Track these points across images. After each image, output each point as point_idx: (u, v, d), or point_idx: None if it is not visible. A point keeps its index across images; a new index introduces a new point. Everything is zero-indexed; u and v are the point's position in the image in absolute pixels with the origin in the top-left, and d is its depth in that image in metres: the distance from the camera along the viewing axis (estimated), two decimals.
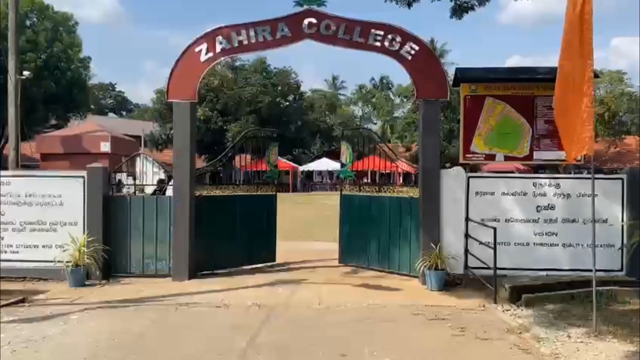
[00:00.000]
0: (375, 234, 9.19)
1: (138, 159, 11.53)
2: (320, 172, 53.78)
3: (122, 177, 9.26)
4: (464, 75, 8.36)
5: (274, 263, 9.83)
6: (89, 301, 7.03)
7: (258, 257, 9.66)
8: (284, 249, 11.22)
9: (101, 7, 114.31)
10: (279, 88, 50.55)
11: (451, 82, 8.91)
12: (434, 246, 8.01)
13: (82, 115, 39.07)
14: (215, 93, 47.41)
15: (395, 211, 8.85)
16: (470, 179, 8.26)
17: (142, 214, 8.62)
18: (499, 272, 7.16)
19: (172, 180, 8.55)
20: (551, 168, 8.99)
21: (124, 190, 9.59)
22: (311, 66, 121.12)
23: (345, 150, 9.97)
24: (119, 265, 8.62)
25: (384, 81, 78.36)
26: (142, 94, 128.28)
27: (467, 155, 8.48)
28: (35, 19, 34.45)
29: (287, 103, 53.21)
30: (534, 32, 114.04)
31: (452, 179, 8.28)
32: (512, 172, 52.94)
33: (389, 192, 9.11)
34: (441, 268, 7.84)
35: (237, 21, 8.42)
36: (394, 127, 71.28)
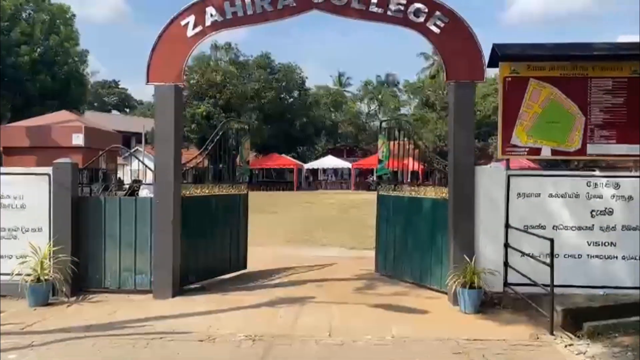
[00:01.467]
0: (408, 240, 7.89)
1: (138, 156, 10.19)
2: (325, 170, 52.31)
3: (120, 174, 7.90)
4: (503, 53, 6.93)
5: (276, 277, 8.46)
6: (44, 328, 5.68)
7: (236, 266, 8.54)
8: (286, 257, 9.86)
9: (106, 4, 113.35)
10: (284, 84, 49.12)
11: (487, 62, 7.46)
12: (467, 258, 6.62)
13: (81, 112, 37.88)
14: (217, 89, 46.07)
15: (429, 215, 7.47)
16: (511, 178, 6.84)
17: (118, 218, 7.26)
18: (543, 289, 5.78)
19: (153, 179, 7.18)
20: (604, 165, 7.50)
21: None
22: (315, 63, 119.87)
23: (382, 145, 8.58)
24: (92, 279, 7.27)
25: (390, 78, 77.01)
26: (148, 91, 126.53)
27: (507, 149, 7.06)
28: (30, 11, 33.14)
29: (292, 99, 51.82)
30: (539, 33, 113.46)
31: (488, 178, 6.87)
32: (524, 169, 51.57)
33: (423, 192, 7.70)
34: (477, 286, 6.44)
35: None
36: None
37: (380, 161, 8.69)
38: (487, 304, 6.60)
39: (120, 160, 47.50)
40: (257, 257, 9.65)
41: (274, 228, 15.16)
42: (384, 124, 9.09)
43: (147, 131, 48.80)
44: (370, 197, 33.19)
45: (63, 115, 11.53)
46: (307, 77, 52.62)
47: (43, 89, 32.01)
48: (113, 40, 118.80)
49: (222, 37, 51.94)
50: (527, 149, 7.07)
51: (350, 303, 6.82)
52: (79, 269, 7.09)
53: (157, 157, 7.06)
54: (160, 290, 7.00)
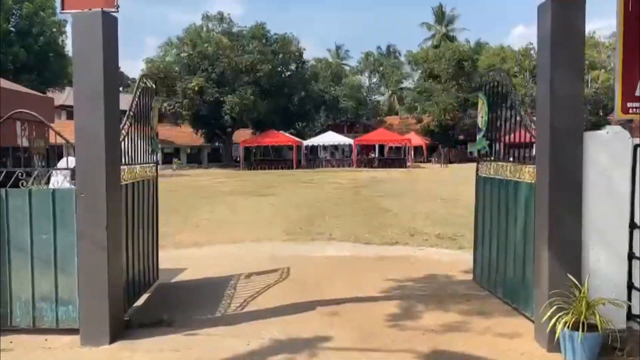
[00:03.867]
0: (499, 241, 5.55)
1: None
2: (325, 147, 49.79)
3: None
4: None
5: (271, 296, 5.98)
6: None
7: (151, 278, 6.01)
8: (285, 259, 7.33)
9: None
10: (280, 56, 46.12)
11: None
12: (571, 277, 4.16)
13: (61, 86, 35.03)
14: (210, 61, 43.17)
15: (521, 206, 5.02)
16: None
17: (29, 222, 4.75)
18: None
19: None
20: None
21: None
22: (314, 39, 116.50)
23: (482, 108, 6.06)
24: None
25: (391, 49, 73.82)
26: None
27: (630, 105, 4.50)
28: None
29: (289, 73, 48.90)
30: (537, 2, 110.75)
31: (604, 150, 4.33)
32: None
33: (519, 173, 5.15)
34: (595, 325, 3.98)
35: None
36: (402, 99, 67.00)
37: (479, 129, 6.15)
38: (603, 350, 4.14)
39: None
40: (250, 257, 7.37)
41: (271, 215, 12.69)
42: (483, 78, 6.41)
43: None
44: (378, 175, 30.73)
45: None
46: (304, 49, 49.64)
47: (17, 62, 29.23)
48: None
49: (215, 7, 48.68)
50: None
51: (384, 350, 4.36)
52: None
53: (79, 124, 4.49)
54: (90, 332, 4.53)
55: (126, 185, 5.04)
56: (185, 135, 49.58)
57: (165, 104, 44.24)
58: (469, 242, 9.09)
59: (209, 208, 14.12)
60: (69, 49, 39.06)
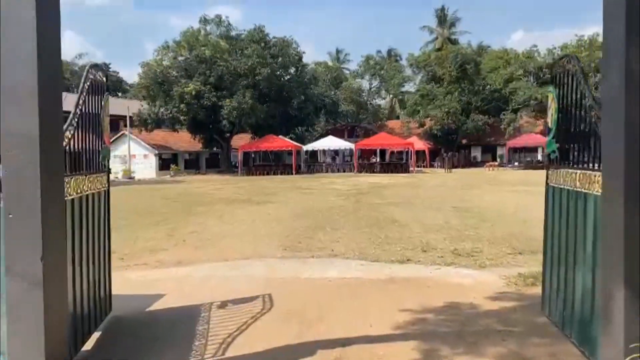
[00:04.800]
0: (567, 266, 4.49)
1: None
2: (325, 152, 48.74)
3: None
4: None
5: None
6: None
7: (102, 311, 4.86)
8: (282, 286, 6.19)
9: None
10: (279, 60, 45.11)
11: None
12: None
13: None
14: (207, 65, 42.20)
15: (590, 224, 3.98)
16: None
17: None
18: None
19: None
20: None
21: None
22: (312, 42, 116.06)
23: (552, 104, 4.97)
24: None
25: (392, 53, 72.87)
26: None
27: None
28: None
29: (288, 77, 47.89)
30: (537, 7, 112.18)
31: None
32: (542, 146, 47.88)
33: (587, 182, 4.07)
34: None
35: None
36: (403, 102, 65.94)
37: (548, 130, 5.07)
38: None
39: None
40: (241, 280, 6.44)
41: (268, 227, 11.64)
42: (554, 69, 5.22)
43: (133, 113, 45.15)
44: (381, 181, 29.57)
45: None
46: (304, 52, 48.69)
47: None
48: (111, 25, 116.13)
49: (214, 13, 47.74)
50: None
51: None
52: None
53: (4, 125, 3.43)
54: None
55: (72, 200, 3.99)
56: (183, 140, 48.60)
57: (162, 109, 43.30)
58: (490, 260, 8.04)
59: (199, 219, 13.05)
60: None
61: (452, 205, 15.28)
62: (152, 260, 8.39)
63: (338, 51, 74.70)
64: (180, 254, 8.88)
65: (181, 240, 10.21)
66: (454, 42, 63.09)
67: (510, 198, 17.67)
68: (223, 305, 5.70)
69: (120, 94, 77.33)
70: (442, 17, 67.51)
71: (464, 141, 54.46)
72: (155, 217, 13.44)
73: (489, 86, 52.26)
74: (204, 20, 46.04)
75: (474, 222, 11.89)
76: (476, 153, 55.62)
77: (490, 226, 11.20)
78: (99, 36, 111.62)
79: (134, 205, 16.50)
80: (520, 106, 48.25)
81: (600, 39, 3.51)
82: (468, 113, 51.12)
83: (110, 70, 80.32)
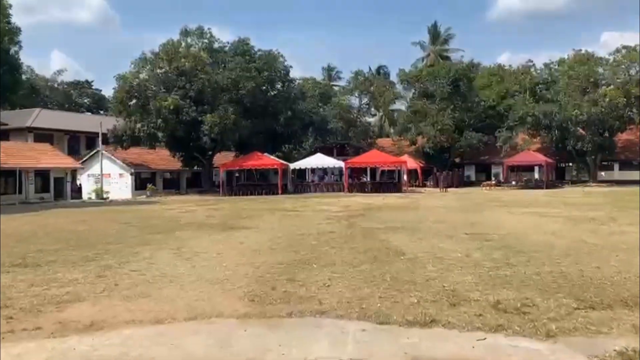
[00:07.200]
0: None
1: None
2: (314, 170, 45.99)
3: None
4: None
5: None
6: None
7: None
8: None
9: (90, 9, 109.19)
10: (265, 74, 42.60)
11: None
12: None
13: (15, 102, 31.07)
14: (187, 78, 39.53)
15: None
16: None
17: None
18: None
19: None
20: None
21: None
22: (301, 61, 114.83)
23: None
24: None
25: (381, 71, 71.02)
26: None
27: None
28: None
29: (275, 92, 45.35)
30: (522, 30, 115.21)
31: None
32: (539, 165, 45.68)
33: None
34: None
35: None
36: (394, 121, 63.68)
37: None
38: None
39: (77, 164, 40.93)
40: None
41: (235, 262, 8.88)
42: None
43: (107, 129, 42.15)
44: (374, 201, 26.29)
45: None
46: (291, 67, 46.32)
47: None
48: (97, 44, 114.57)
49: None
50: None
51: None
52: None
53: None
54: None
55: None
56: (162, 159, 45.62)
57: (138, 125, 40.36)
58: (554, 321, 5.36)
59: (150, 252, 10.19)
60: (23, 60, 35.31)
61: (464, 232, 12.62)
62: (51, 322, 5.62)
63: (330, 68, 73.05)
64: (100, 308, 6.11)
65: (113, 284, 7.43)
66: (446, 59, 61.30)
67: (530, 222, 15.03)
68: None
69: (102, 112, 74.63)
70: (434, 34, 66.00)
71: (457, 160, 52.18)
72: (94, 249, 10.58)
73: (483, 103, 50.23)
74: (185, 32, 43.56)
75: (502, 255, 9.24)
76: (469, 172, 53.42)
77: (526, 262, 8.55)
78: (85, 56, 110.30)
79: (76, 234, 13.61)
80: (516, 123, 46.16)
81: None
82: (461, 130, 48.94)
83: (93, 87, 77.64)
